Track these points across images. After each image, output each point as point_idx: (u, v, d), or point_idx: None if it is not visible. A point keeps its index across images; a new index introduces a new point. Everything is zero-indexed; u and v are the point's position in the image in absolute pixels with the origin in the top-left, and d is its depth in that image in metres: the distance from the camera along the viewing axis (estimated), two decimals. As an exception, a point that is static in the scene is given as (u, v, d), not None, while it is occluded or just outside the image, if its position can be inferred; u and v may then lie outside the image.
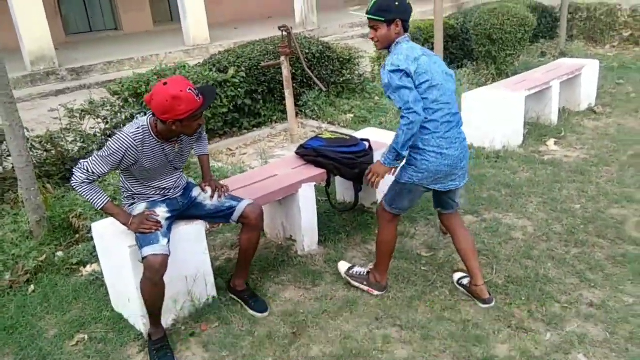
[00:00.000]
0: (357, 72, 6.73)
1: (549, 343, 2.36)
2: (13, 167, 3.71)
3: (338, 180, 3.75)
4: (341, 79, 6.43)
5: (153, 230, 2.37)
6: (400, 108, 2.31)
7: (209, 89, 2.44)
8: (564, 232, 3.25)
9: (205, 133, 2.85)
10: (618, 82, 6.60)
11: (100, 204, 2.37)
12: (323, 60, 6.12)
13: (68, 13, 12.22)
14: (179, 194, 2.62)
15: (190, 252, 2.62)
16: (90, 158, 2.35)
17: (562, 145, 4.69)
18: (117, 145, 2.31)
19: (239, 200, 2.66)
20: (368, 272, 2.82)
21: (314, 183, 3.16)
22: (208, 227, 2.71)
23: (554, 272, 2.87)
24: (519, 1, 8.76)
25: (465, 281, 2.73)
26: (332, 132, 3.70)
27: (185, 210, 2.65)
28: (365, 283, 2.80)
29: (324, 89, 5.35)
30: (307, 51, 5.88)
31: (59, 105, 4.59)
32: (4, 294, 2.99)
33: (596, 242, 3.13)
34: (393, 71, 2.31)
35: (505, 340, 2.40)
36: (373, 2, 2.41)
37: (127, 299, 2.57)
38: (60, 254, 3.36)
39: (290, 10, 12.52)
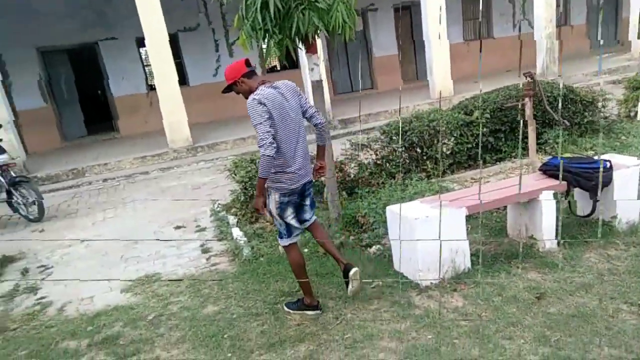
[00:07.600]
0: (602, 114, 6.93)
1: None
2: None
3: (578, 195, 4.28)
4: (584, 120, 6.74)
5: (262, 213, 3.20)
6: None
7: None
8: None
9: (325, 127, 3.47)
10: None
11: (260, 175, 2.99)
12: (565, 102, 6.59)
13: (336, 78, 15.04)
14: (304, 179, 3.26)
15: (454, 231, 3.59)
16: (258, 133, 2.98)
17: None
18: (255, 105, 3.01)
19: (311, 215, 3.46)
20: None
21: (553, 191, 3.83)
22: (467, 212, 3.64)
23: None
24: None
25: None
26: (569, 154, 4.31)
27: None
28: None
29: (567, 124, 5.86)
30: (549, 94, 6.47)
31: (346, 140, 6.25)
32: (320, 258, 4.42)
33: None
34: None
35: None
36: None
37: (409, 258, 3.66)
38: (352, 238, 4.72)
39: (531, 62, 12.96)
